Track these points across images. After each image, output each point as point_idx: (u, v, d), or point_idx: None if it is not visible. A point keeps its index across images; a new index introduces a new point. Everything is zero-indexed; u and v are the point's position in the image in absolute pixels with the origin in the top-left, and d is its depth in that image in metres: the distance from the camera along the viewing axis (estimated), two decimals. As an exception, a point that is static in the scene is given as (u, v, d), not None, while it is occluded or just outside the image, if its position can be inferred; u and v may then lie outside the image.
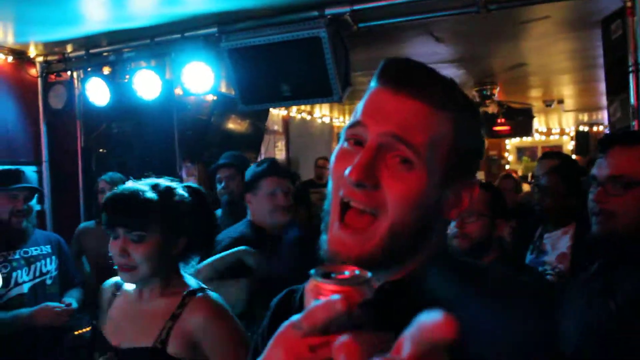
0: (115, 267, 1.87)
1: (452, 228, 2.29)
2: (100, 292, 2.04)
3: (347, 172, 0.84)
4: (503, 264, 2.32)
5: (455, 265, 0.95)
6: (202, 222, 1.98)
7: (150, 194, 1.82)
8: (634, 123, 2.97)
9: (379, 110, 0.88)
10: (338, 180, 0.89)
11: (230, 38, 3.67)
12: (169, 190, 1.87)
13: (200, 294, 1.85)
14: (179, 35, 3.88)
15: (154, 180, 1.91)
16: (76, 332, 3.81)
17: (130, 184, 1.86)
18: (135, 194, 1.81)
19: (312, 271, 0.65)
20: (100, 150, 4.91)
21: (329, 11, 3.48)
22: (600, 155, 1.73)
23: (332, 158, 0.92)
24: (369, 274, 0.65)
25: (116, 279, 2.00)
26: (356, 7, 3.45)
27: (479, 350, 0.79)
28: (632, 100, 2.95)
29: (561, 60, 6.04)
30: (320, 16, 3.48)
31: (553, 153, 3.43)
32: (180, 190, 1.91)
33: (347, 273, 0.65)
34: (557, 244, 2.90)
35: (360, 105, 0.91)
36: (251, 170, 2.97)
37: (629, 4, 3.01)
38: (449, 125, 0.88)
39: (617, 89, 3.24)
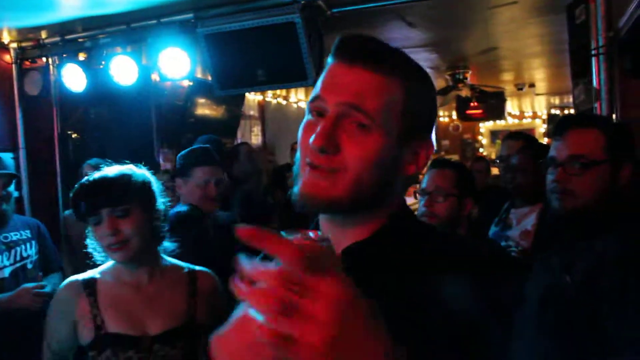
0: (97, 258, 1.94)
1: (421, 207, 2.39)
2: (59, 297, 1.97)
3: (311, 140, 0.95)
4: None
5: (414, 226, 1.07)
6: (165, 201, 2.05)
7: (116, 172, 1.90)
8: (596, 105, 3.10)
9: (336, 83, 0.98)
10: (304, 149, 0.99)
11: (206, 24, 3.72)
12: (133, 170, 1.96)
13: (197, 268, 2.04)
14: (154, 21, 3.90)
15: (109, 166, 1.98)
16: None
17: (101, 172, 1.92)
18: (108, 175, 1.89)
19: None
20: (75, 135, 4.92)
21: (302, -3, 3.55)
22: (557, 137, 1.83)
23: (299, 130, 1.01)
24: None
25: (76, 277, 1.98)
26: (330, -7, 3.53)
27: (431, 310, 0.90)
28: (595, 83, 3.08)
29: (531, 45, 6.17)
30: (294, 1, 3.54)
31: (516, 133, 3.55)
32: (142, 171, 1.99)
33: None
34: (523, 221, 2.99)
35: (319, 80, 1.01)
36: (184, 155, 3.02)
37: (591, -11, 3.13)
38: (400, 91, 0.98)
39: (581, 72, 3.37)
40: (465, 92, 7.77)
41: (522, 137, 3.33)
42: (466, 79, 7.06)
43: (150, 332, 1.85)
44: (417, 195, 2.46)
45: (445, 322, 0.89)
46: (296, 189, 0.99)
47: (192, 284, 1.98)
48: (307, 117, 1.02)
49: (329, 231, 1.03)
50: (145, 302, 1.90)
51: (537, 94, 10.37)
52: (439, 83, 8.35)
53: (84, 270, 4.09)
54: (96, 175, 1.90)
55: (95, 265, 1.96)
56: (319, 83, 1.01)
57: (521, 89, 9.00)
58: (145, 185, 1.94)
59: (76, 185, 1.93)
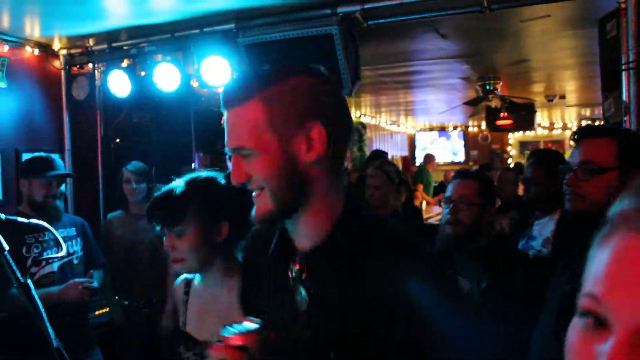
0: None
1: (445, 214, 2.50)
2: (172, 291, 2.18)
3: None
4: (496, 249, 2.52)
5: (361, 226, 1.22)
6: (238, 203, 2.12)
7: (181, 189, 1.96)
8: (626, 118, 3.16)
9: (226, 133, 1.19)
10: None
11: (247, 34, 3.88)
12: (201, 181, 2.01)
13: None
14: (198, 31, 4.08)
15: (192, 175, 2.05)
16: (97, 312, 4.03)
17: (171, 184, 2.02)
18: (166, 193, 1.97)
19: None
20: (117, 139, 5.12)
21: (341, 9, 3.69)
22: (575, 145, 1.95)
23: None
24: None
25: (184, 276, 2.13)
26: (367, 5, 3.66)
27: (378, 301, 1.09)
28: (624, 97, 3.15)
29: (563, 57, 6.21)
30: (332, 14, 3.68)
31: (539, 150, 3.82)
32: (214, 178, 2.05)
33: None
34: (544, 230, 3.13)
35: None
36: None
37: (623, 5, 3.19)
38: (258, 109, 1.14)
39: (611, 86, 3.43)
40: (495, 103, 7.82)
41: (542, 153, 3.51)
42: (496, 89, 7.12)
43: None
44: (442, 203, 2.58)
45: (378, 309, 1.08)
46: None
47: None
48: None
49: (291, 229, 1.25)
50: (216, 312, 1.97)
51: (568, 106, 10.35)
52: (469, 94, 8.41)
53: (120, 269, 4.25)
54: (165, 189, 1.99)
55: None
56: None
57: (551, 101, 9.00)
58: (205, 201, 1.97)
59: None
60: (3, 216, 1.42)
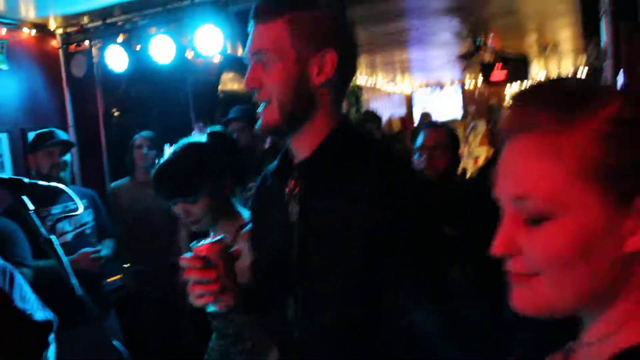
0: None
1: (419, 162, 2.74)
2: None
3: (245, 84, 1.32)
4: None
5: (350, 140, 1.38)
6: (233, 158, 2.22)
7: (184, 162, 2.06)
8: (606, 63, 3.28)
9: (250, 40, 1.33)
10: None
11: (237, 1, 3.98)
12: (198, 148, 2.11)
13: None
14: (188, 2, 4.18)
15: (183, 142, 2.14)
16: (109, 279, 4.22)
17: (167, 154, 2.11)
18: (171, 168, 2.07)
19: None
20: (117, 113, 5.26)
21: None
22: None
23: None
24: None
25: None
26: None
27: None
28: (603, 42, 3.26)
29: (553, 4, 6.24)
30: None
31: None
32: (205, 141, 2.15)
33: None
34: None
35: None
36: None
37: (600, -49, 3.28)
38: (284, 27, 1.29)
39: (592, 32, 3.55)
40: (488, 57, 7.89)
41: None
42: (487, 43, 7.18)
43: None
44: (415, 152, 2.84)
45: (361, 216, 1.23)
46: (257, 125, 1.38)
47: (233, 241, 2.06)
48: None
49: (291, 142, 1.40)
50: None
51: (562, 55, 10.38)
52: (463, 49, 8.47)
53: (129, 236, 4.41)
54: (167, 160, 2.09)
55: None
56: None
57: (545, 50, 9.05)
58: (211, 167, 2.08)
59: (153, 170, 2.14)
60: (26, 180, 1.58)
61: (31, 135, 3.78)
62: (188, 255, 1.27)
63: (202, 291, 1.24)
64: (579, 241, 0.71)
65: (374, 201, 1.23)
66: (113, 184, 4.51)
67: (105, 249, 3.60)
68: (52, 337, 1.38)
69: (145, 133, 4.32)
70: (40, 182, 1.66)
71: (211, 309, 1.29)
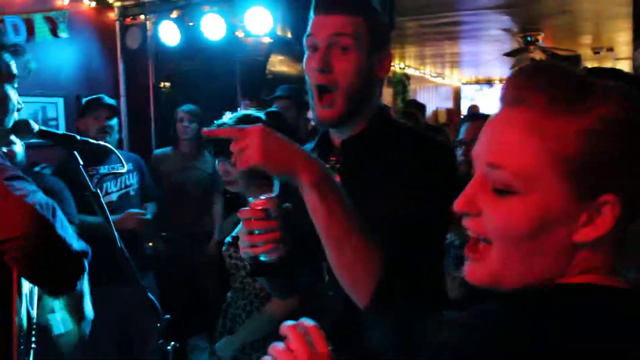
0: None
1: (460, 156, 2.75)
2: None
3: (312, 66, 1.39)
4: None
5: (390, 123, 1.52)
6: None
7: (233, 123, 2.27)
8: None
9: (321, 26, 1.40)
10: (311, 74, 1.43)
11: (288, -15, 4.09)
12: (251, 118, 2.30)
13: None
14: (241, -18, 4.31)
15: (242, 112, 2.37)
16: (150, 244, 4.40)
17: (226, 118, 2.31)
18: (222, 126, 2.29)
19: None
20: (165, 86, 5.45)
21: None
22: None
23: (304, 64, 1.45)
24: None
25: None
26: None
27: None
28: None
29: (610, 6, 6.13)
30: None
31: None
32: (259, 116, 2.34)
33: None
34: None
35: (308, 28, 1.44)
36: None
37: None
38: (363, 23, 1.40)
39: None
40: (537, 55, 7.80)
41: None
42: (538, 41, 7.10)
43: None
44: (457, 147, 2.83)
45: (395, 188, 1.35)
46: (314, 115, 1.47)
47: None
48: (307, 53, 1.45)
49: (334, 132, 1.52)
50: None
51: (617, 59, 10.14)
52: (513, 46, 8.39)
53: (170, 202, 4.57)
54: (224, 122, 2.28)
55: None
56: (308, 29, 1.43)
57: (598, 53, 8.88)
58: None
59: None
60: (78, 137, 1.73)
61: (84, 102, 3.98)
62: (246, 209, 1.36)
63: (262, 240, 1.34)
64: (536, 221, 0.75)
65: (405, 174, 1.36)
66: (156, 151, 4.69)
67: (149, 212, 3.77)
68: (86, 264, 1.53)
69: (187, 107, 4.44)
70: (91, 141, 1.80)
71: (264, 258, 1.37)
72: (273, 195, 1.37)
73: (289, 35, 5.02)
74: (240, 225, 1.42)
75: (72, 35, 4.47)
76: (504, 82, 0.82)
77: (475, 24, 7.04)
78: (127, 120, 4.99)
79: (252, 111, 2.40)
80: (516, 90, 0.79)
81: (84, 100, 3.96)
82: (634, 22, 3.82)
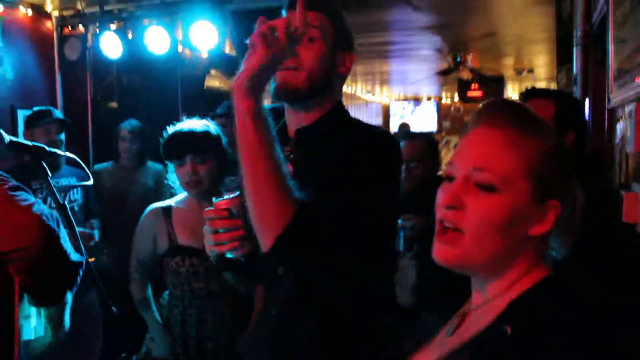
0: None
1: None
2: (144, 219, 2.58)
3: None
4: None
5: (345, 118, 1.65)
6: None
7: (204, 128, 2.47)
8: (575, 88, 3.54)
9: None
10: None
11: (234, 0, 4.14)
12: (209, 125, 2.52)
13: None
14: (186, -4, 4.33)
15: (196, 120, 2.55)
16: (91, 259, 4.30)
17: (185, 124, 2.48)
18: (195, 129, 2.44)
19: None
20: (104, 100, 5.35)
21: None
22: None
23: None
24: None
25: (158, 204, 2.58)
26: (345, -22, 3.94)
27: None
28: (574, 69, 3.52)
29: (531, 32, 6.53)
30: (314, -14, 3.95)
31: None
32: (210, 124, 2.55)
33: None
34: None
35: None
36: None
37: (576, -15, 3.53)
38: (327, 20, 1.57)
39: (564, 59, 3.80)
40: (465, 75, 8.18)
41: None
42: (466, 61, 7.46)
43: None
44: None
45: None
46: (274, 86, 1.53)
47: None
48: None
49: (289, 116, 1.62)
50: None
51: (537, 80, 10.75)
52: (442, 65, 8.75)
53: (112, 217, 4.54)
54: (185, 126, 2.45)
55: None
56: None
57: (520, 74, 9.40)
58: (220, 140, 2.49)
59: (169, 133, 2.48)
60: (47, 148, 1.72)
61: (21, 113, 3.89)
62: (211, 208, 1.43)
63: (227, 238, 1.41)
64: (508, 215, 0.95)
65: (353, 162, 1.46)
66: (96, 166, 4.60)
67: (96, 231, 3.70)
68: (79, 276, 1.55)
69: (128, 125, 4.35)
70: (60, 152, 1.80)
71: (230, 255, 1.44)
72: (236, 194, 1.45)
73: (232, 51, 5.06)
74: (205, 225, 1.48)
75: (7, 43, 4.35)
76: (478, 109, 1.05)
77: (407, 44, 7.31)
78: (64, 133, 4.86)
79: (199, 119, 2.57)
80: (493, 117, 1.01)
81: (22, 112, 3.87)
82: (557, 47, 4.12)
